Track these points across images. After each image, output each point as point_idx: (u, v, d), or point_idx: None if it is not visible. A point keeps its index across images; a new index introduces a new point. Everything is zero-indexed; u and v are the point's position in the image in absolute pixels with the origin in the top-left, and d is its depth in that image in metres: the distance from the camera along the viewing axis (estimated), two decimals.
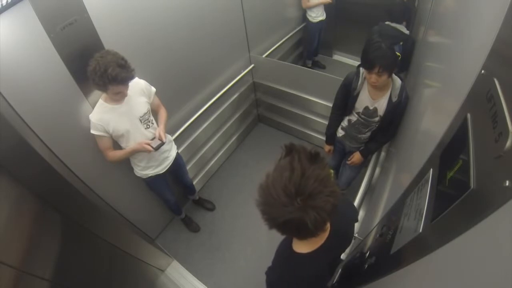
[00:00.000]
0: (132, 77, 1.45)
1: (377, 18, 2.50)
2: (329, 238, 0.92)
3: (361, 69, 1.68)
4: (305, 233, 0.77)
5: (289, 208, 0.69)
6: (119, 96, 1.52)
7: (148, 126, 1.73)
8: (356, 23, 3.65)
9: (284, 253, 0.98)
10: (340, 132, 2.05)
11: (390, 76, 1.56)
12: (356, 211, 1.26)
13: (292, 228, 0.74)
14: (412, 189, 0.97)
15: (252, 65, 2.87)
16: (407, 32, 2.31)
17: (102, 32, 1.50)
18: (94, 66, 1.34)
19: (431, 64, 1.42)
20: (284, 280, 0.95)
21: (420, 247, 0.69)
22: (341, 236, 1.02)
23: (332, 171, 0.78)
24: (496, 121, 0.52)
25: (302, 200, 0.69)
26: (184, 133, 2.32)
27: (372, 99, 1.71)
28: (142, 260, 2.07)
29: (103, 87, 1.41)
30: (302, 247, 0.91)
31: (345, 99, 1.84)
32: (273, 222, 0.74)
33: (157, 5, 1.76)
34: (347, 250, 1.51)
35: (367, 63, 1.52)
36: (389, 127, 1.79)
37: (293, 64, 3.00)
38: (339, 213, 0.76)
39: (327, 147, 2.22)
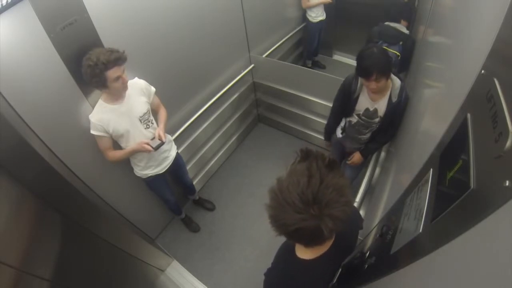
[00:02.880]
0: (125, 58, 1.45)
1: (377, 18, 2.50)
2: (333, 246, 0.91)
3: None
4: (316, 241, 0.75)
5: (304, 215, 0.67)
6: (119, 83, 1.48)
7: (148, 126, 1.73)
8: (356, 23, 3.65)
9: (286, 256, 0.96)
10: (340, 134, 2.05)
11: (388, 79, 1.56)
12: (361, 219, 1.24)
13: (305, 235, 0.72)
14: (412, 189, 0.97)
15: (252, 65, 2.87)
16: (407, 32, 2.31)
17: (102, 32, 1.50)
18: (87, 64, 1.37)
19: (431, 64, 1.42)
20: (284, 284, 0.94)
21: (420, 247, 0.69)
22: (345, 244, 1.01)
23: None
24: (496, 121, 0.52)
25: (318, 208, 0.67)
26: (184, 133, 2.32)
27: (372, 101, 1.71)
28: (142, 260, 2.07)
29: (101, 78, 1.40)
30: (305, 253, 0.90)
31: (344, 102, 1.84)
32: (284, 228, 0.71)
33: (157, 5, 1.76)
34: None
35: (363, 72, 1.53)
36: (389, 128, 1.79)
37: (293, 64, 3.00)
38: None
39: (327, 143, 2.30)
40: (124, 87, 1.54)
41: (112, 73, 1.42)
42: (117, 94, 1.55)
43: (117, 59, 1.42)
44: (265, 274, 1.03)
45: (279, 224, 0.71)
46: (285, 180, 0.71)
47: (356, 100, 1.76)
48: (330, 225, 0.67)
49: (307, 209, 0.67)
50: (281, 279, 0.96)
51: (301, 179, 0.69)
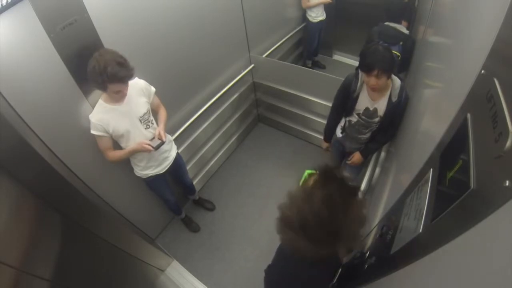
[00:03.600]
0: (131, 76, 1.45)
1: (377, 18, 2.50)
2: None
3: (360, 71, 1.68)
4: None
5: (322, 247, 0.65)
6: (118, 95, 1.51)
7: (148, 126, 1.73)
8: (356, 23, 3.65)
9: (287, 255, 0.96)
10: (340, 133, 2.05)
11: (389, 78, 1.56)
12: None
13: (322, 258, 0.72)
14: (412, 189, 0.97)
15: (252, 65, 2.87)
16: (406, 32, 2.30)
17: (102, 32, 1.49)
18: (93, 65, 1.35)
19: (431, 64, 1.42)
20: (285, 283, 0.94)
21: (420, 247, 0.69)
22: None
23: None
24: (496, 121, 0.52)
25: (339, 240, 0.65)
26: (184, 133, 2.32)
27: (372, 100, 1.71)
28: (142, 260, 2.07)
29: (103, 86, 1.41)
30: None
31: (344, 101, 1.84)
32: (299, 253, 0.69)
33: (157, 5, 1.76)
34: None
35: (366, 67, 1.52)
36: (389, 128, 1.79)
37: (293, 64, 3.00)
38: None
39: (325, 144, 2.27)
40: (122, 98, 1.56)
41: (114, 87, 1.42)
42: (114, 101, 1.56)
43: (124, 77, 1.40)
44: (265, 271, 1.03)
45: (294, 250, 0.68)
46: (302, 206, 0.66)
47: (356, 99, 1.76)
48: (346, 253, 0.67)
49: (327, 241, 0.65)
50: (281, 277, 0.95)
51: (323, 211, 0.64)
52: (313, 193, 0.67)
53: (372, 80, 1.53)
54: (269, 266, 1.03)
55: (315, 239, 0.65)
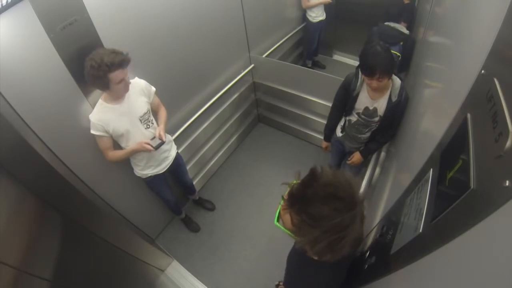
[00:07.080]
0: (128, 60, 1.45)
1: (377, 18, 2.50)
2: None
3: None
4: None
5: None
6: (122, 85, 1.49)
7: (148, 126, 1.73)
8: (356, 23, 3.66)
9: (302, 263, 0.97)
10: (340, 133, 2.05)
11: (389, 78, 1.57)
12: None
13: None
14: (412, 189, 0.97)
15: (252, 65, 2.87)
16: (406, 32, 2.31)
17: (102, 32, 1.49)
18: (90, 64, 1.36)
19: (431, 64, 1.42)
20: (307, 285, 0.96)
21: (420, 247, 0.69)
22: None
23: None
24: (496, 121, 0.52)
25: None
26: (184, 133, 2.32)
27: (372, 99, 1.71)
28: (142, 260, 2.07)
29: (104, 80, 1.40)
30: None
31: (344, 100, 1.85)
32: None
33: (157, 5, 1.76)
34: None
35: (367, 70, 1.53)
36: (389, 127, 1.79)
37: (293, 64, 3.00)
38: None
39: (324, 144, 2.28)
40: (126, 89, 1.54)
41: (115, 75, 1.42)
42: (118, 95, 1.55)
43: (121, 61, 1.41)
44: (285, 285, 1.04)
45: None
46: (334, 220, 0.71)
47: (355, 98, 1.77)
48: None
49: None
50: (305, 285, 0.98)
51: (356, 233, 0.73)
52: (341, 220, 0.72)
53: (374, 83, 1.56)
54: (288, 281, 1.05)
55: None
